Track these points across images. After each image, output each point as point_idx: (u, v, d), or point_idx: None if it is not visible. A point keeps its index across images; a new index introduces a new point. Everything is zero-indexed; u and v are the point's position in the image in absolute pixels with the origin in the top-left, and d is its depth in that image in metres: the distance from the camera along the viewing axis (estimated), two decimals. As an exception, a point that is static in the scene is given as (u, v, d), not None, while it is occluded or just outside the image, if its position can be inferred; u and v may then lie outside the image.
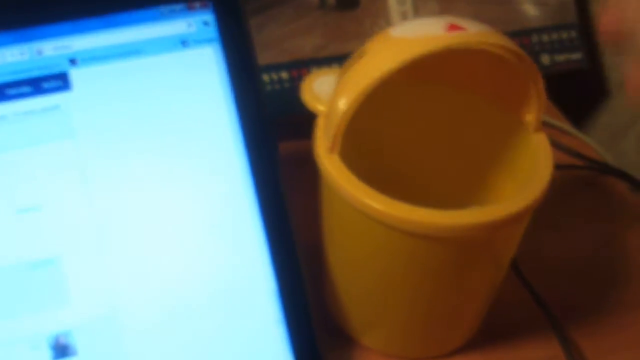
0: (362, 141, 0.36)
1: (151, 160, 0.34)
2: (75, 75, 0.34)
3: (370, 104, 0.29)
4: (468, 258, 0.32)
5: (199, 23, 0.35)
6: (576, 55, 0.55)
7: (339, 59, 0.48)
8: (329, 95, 0.32)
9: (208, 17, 0.35)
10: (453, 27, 0.28)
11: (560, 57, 0.54)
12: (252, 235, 0.34)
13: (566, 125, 0.55)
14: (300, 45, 0.48)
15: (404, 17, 0.49)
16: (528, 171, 0.31)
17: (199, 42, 0.35)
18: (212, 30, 0.35)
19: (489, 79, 0.33)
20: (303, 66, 0.48)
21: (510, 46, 0.28)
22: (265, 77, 0.47)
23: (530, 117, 0.32)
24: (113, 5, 0.34)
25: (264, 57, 0.47)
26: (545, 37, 0.54)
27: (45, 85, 0.34)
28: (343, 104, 0.29)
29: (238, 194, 0.34)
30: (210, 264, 0.34)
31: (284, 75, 0.48)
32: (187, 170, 0.34)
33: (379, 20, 0.49)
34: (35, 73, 0.33)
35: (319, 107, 0.33)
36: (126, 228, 0.33)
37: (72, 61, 0.34)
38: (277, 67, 0.47)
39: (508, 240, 0.32)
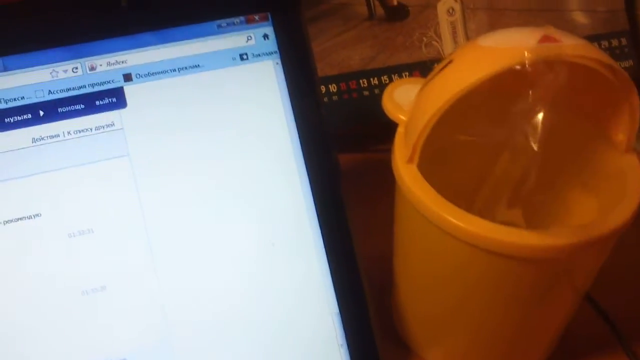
0: (436, 150, 0.34)
1: (207, 177, 0.33)
2: (130, 91, 0.32)
3: (449, 113, 0.28)
4: (546, 280, 0.30)
5: (259, 36, 0.33)
6: (627, 63, 0.53)
7: (388, 71, 0.47)
8: (411, 104, 0.30)
9: (267, 30, 0.34)
10: (546, 39, 0.26)
11: (612, 66, 0.53)
12: (312, 253, 0.33)
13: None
14: (349, 57, 0.46)
15: (454, 27, 0.48)
16: (615, 192, 0.29)
17: (259, 55, 0.33)
18: (271, 44, 0.33)
19: (578, 94, 0.32)
20: (351, 78, 0.46)
21: (607, 60, 0.26)
22: (314, 89, 0.46)
23: (622, 136, 0.30)
24: (169, 20, 0.32)
25: (311, 70, 0.45)
26: (595, 46, 0.52)
27: (99, 102, 0.32)
28: (426, 113, 0.27)
29: (298, 210, 0.33)
30: (269, 284, 0.32)
31: (332, 87, 0.46)
32: (245, 187, 0.33)
33: (428, 31, 0.47)
34: (89, 90, 0.32)
35: (400, 117, 0.31)
36: (181, 250, 0.32)
37: (127, 77, 0.32)
38: (326, 80, 0.46)
39: (591, 263, 0.31)
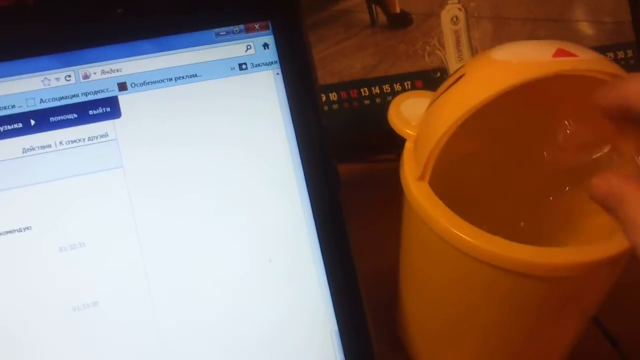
0: (446, 164, 0.33)
1: (204, 190, 0.32)
2: (125, 101, 0.31)
3: (459, 127, 0.27)
4: (555, 299, 0.29)
5: (259, 46, 0.32)
6: (632, 76, 0.52)
7: (390, 80, 0.46)
8: (419, 119, 0.30)
9: (268, 39, 0.33)
10: (561, 52, 0.25)
11: (617, 78, 0.52)
12: (311, 268, 0.32)
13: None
14: (350, 65, 0.45)
15: (457, 36, 0.47)
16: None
17: (258, 65, 0.32)
18: (272, 53, 0.33)
19: (590, 107, 0.31)
20: (352, 87, 0.45)
21: (623, 74, 0.25)
22: (314, 98, 0.45)
23: (630, 149, 0.29)
24: (166, 28, 0.31)
25: (312, 78, 0.44)
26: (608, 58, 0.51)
27: (92, 111, 0.31)
28: (438, 130, 0.26)
29: (297, 225, 0.32)
30: (266, 302, 0.31)
31: (333, 96, 0.45)
32: (243, 201, 0.32)
33: (431, 39, 0.46)
34: (82, 99, 0.31)
35: (407, 131, 0.31)
36: (175, 265, 0.31)
37: (122, 86, 0.31)
38: (326, 88, 0.45)
39: (601, 283, 0.30)
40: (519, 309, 0.29)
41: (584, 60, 0.25)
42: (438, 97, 0.28)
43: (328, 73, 0.45)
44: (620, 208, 0.22)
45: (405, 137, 0.31)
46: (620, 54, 0.52)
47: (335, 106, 0.45)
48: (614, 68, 0.26)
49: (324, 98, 0.45)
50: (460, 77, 0.27)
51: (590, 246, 0.26)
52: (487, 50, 0.28)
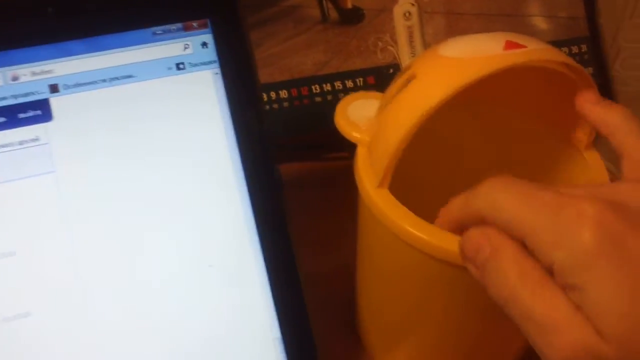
0: (401, 167, 0.33)
1: (140, 194, 0.31)
2: (57, 103, 0.30)
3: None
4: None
5: (197, 44, 0.31)
6: (587, 70, 0.52)
7: (341, 76, 0.45)
8: (368, 122, 0.29)
9: (207, 37, 0.32)
10: (511, 45, 0.25)
11: (571, 73, 0.52)
12: (253, 274, 0.31)
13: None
14: (301, 62, 0.44)
15: (410, 32, 0.46)
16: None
17: (196, 65, 0.31)
18: (210, 52, 0.32)
19: (538, 97, 0.31)
20: (303, 84, 0.44)
21: (572, 63, 0.26)
22: (264, 96, 0.44)
23: (582, 134, 0.30)
24: (100, 27, 0.30)
25: (261, 75, 0.43)
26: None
27: (22, 114, 0.30)
28: (395, 136, 0.26)
29: (238, 230, 0.31)
30: (206, 308, 0.31)
31: (283, 94, 0.44)
32: (182, 207, 0.31)
33: (384, 35, 0.46)
34: (11, 101, 0.30)
35: (354, 135, 0.30)
36: (111, 274, 0.30)
37: (53, 88, 0.30)
38: (276, 86, 0.44)
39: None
40: (468, 304, 0.29)
41: (535, 50, 0.25)
42: (391, 100, 0.27)
43: (278, 70, 0.44)
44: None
45: (352, 140, 0.30)
46: (575, 49, 0.52)
47: (285, 104, 0.44)
48: (564, 57, 0.26)
49: (273, 96, 0.44)
50: (411, 78, 0.26)
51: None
52: (435, 46, 0.27)
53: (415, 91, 0.26)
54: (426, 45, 0.47)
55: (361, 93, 0.32)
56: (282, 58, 0.44)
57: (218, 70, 0.31)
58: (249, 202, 0.31)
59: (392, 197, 0.27)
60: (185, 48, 0.31)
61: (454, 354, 0.34)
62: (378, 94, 0.31)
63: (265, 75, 0.44)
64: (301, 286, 0.31)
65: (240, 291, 0.31)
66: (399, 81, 0.27)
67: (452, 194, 0.29)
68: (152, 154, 0.31)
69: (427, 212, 0.27)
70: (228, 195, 0.31)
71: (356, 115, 0.30)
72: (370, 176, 0.28)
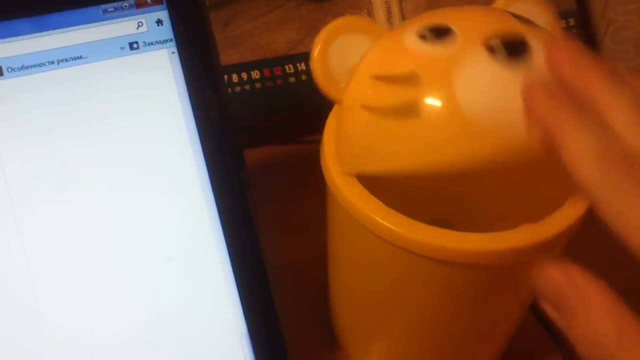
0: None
1: (94, 184, 0.29)
2: (2, 87, 0.28)
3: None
4: (488, 287, 0.27)
5: (151, 22, 0.29)
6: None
7: (316, 56, 0.43)
8: (347, 78, 0.24)
9: (162, 14, 0.29)
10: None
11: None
12: (217, 267, 0.29)
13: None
14: (273, 40, 0.42)
15: (388, 7, 0.44)
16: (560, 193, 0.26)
17: (151, 44, 0.29)
18: (166, 31, 0.30)
19: None
20: (276, 64, 0.42)
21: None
22: (234, 77, 0.42)
23: None
24: (46, 5, 0.28)
25: (231, 55, 0.41)
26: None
27: (-35, 100, 0.28)
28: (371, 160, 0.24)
29: (200, 219, 0.29)
30: (167, 304, 0.29)
31: (255, 74, 0.42)
32: (138, 196, 0.29)
33: (360, 11, 0.44)
34: (-49, 86, 0.28)
35: (333, 94, 0.25)
36: (65, 269, 0.28)
37: (-3, 71, 0.28)
38: (247, 66, 0.42)
39: (519, 274, 0.28)
40: (444, 298, 0.27)
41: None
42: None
43: (249, 49, 0.42)
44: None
45: (333, 100, 0.26)
46: (562, 23, 0.50)
47: (257, 85, 0.42)
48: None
49: (245, 77, 0.42)
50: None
51: (523, 230, 0.24)
52: (447, 66, 0.23)
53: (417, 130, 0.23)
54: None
55: (346, 22, 0.25)
56: (253, 36, 0.42)
57: (175, 49, 0.30)
58: (210, 189, 0.29)
59: (362, 188, 0.25)
60: (139, 26, 0.29)
61: (431, 348, 0.32)
62: (369, 25, 0.25)
63: (236, 54, 0.42)
64: (268, 278, 0.30)
65: (203, 285, 0.29)
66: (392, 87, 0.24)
67: (428, 181, 0.28)
68: (104, 141, 0.29)
69: (400, 201, 0.25)
70: (187, 181, 0.29)
71: (337, 62, 0.25)
72: (335, 161, 0.26)
